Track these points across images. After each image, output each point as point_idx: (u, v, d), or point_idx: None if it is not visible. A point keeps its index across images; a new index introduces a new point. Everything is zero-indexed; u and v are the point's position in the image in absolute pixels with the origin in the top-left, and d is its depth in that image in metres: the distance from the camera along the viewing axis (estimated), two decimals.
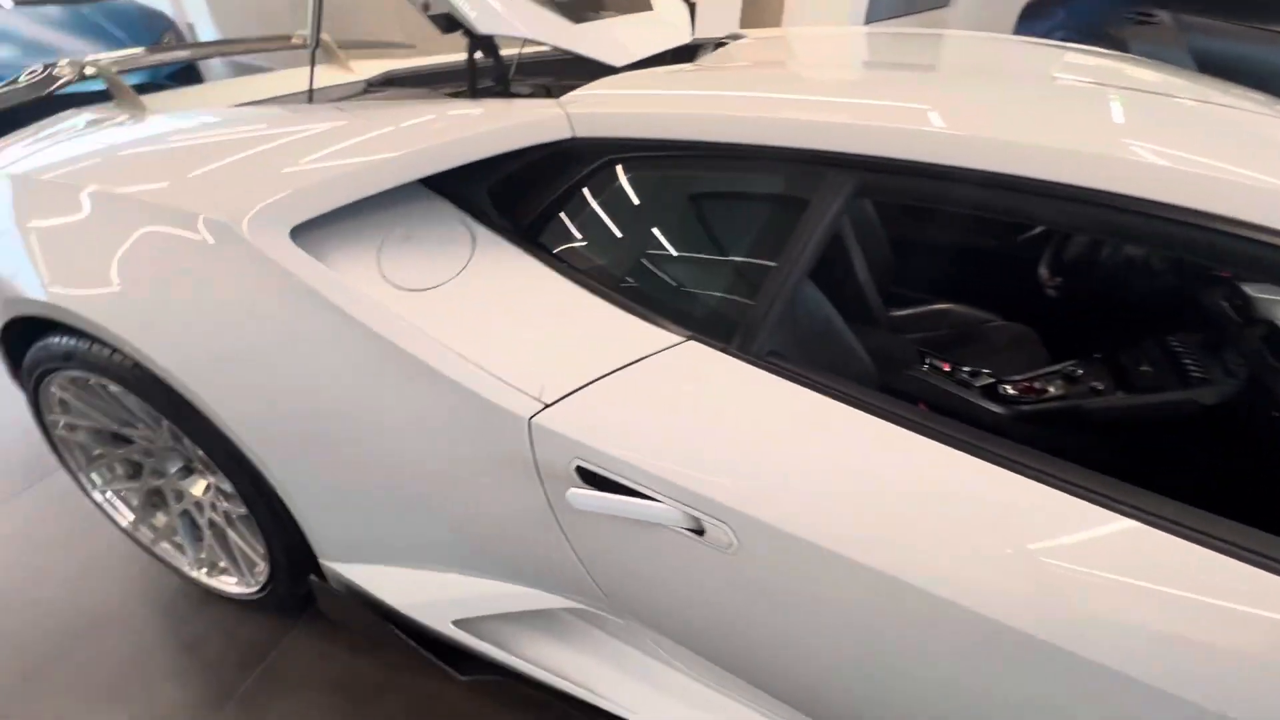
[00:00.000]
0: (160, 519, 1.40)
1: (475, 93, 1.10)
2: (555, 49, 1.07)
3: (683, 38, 1.35)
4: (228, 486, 1.13)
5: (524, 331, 0.87)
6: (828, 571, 0.73)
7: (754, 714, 0.98)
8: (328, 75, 1.80)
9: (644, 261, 0.91)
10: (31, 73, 1.48)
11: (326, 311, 0.88)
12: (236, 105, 1.40)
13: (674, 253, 0.91)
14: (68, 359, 1.08)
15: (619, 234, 0.92)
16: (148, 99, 1.51)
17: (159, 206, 0.96)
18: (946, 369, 1.35)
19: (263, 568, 1.26)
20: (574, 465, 0.82)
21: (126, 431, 1.23)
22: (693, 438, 0.78)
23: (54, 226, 1.03)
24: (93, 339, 1.04)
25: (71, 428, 1.29)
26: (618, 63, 1.12)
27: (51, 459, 1.38)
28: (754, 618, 0.82)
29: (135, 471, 1.37)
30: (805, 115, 0.79)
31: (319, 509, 1.06)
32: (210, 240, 0.92)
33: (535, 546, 0.95)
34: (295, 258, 0.89)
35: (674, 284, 0.90)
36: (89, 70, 1.41)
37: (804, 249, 0.78)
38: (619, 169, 0.90)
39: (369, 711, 1.23)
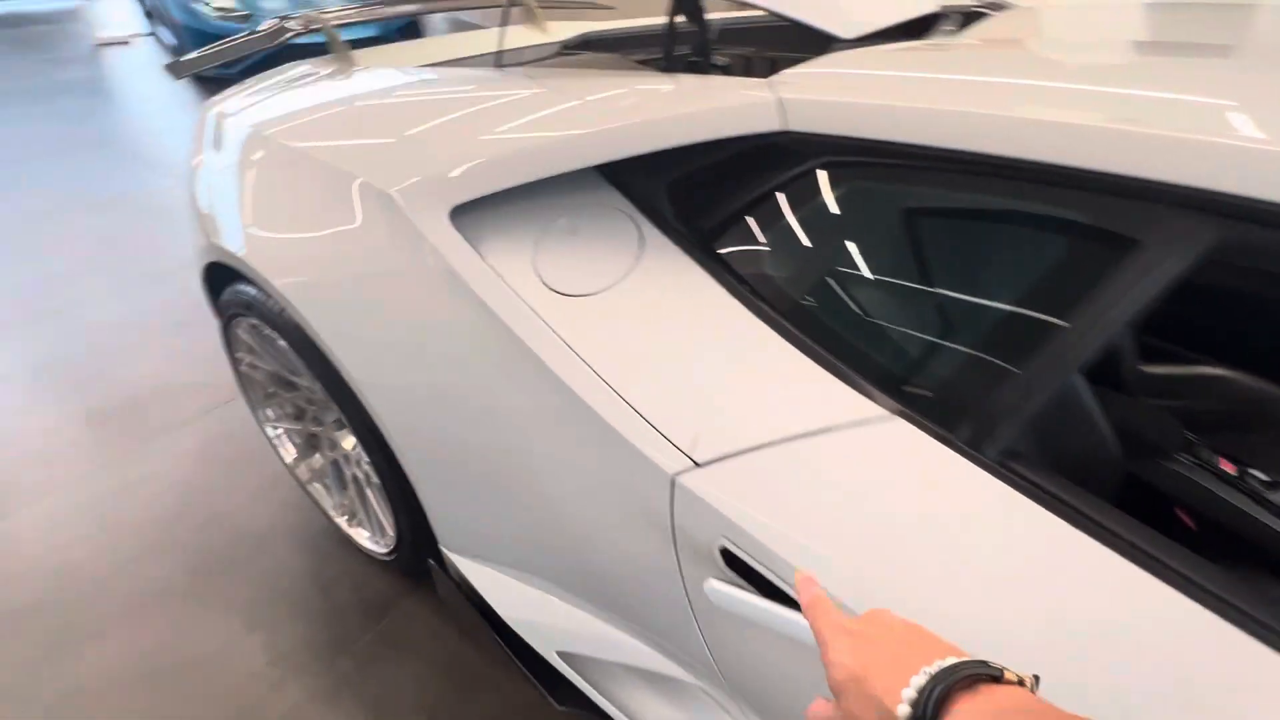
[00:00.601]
0: (317, 460, 1.47)
1: (671, 63, 0.94)
2: (769, 12, 0.88)
3: (927, 4, 1.08)
4: (365, 457, 1.13)
5: (686, 366, 0.72)
6: None
7: None
8: (524, 36, 1.75)
9: (853, 302, 0.70)
10: (269, 25, 1.57)
11: (474, 307, 0.80)
12: (428, 65, 1.38)
13: (899, 297, 0.69)
14: (249, 308, 1.12)
15: (825, 261, 0.72)
16: (359, 54, 1.54)
17: (330, 168, 0.93)
18: (1230, 469, 0.99)
19: (391, 536, 1.26)
20: (718, 545, 0.66)
21: (294, 379, 1.28)
22: (882, 548, 0.59)
23: (241, 177, 1.05)
24: (269, 293, 1.06)
25: (253, 366, 1.37)
26: (847, 34, 0.90)
27: (234, 386, 1.50)
28: None
29: (300, 414, 1.45)
30: (1137, 127, 0.53)
31: (442, 500, 1.01)
32: (371, 210, 0.87)
33: (659, 610, 0.81)
34: (450, 241, 0.81)
35: (891, 338, 0.68)
36: (314, 25, 1.46)
37: (1104, 322, 0.54)
38: (836, 176, 0.70)
39: (465, 705, 1.20)
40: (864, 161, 0.66)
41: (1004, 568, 0.55)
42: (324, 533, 1.51)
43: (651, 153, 0.77)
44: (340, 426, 1.36)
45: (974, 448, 0.59)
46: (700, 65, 0.90)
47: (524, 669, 1.05)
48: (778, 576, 0.62)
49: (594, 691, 0.98)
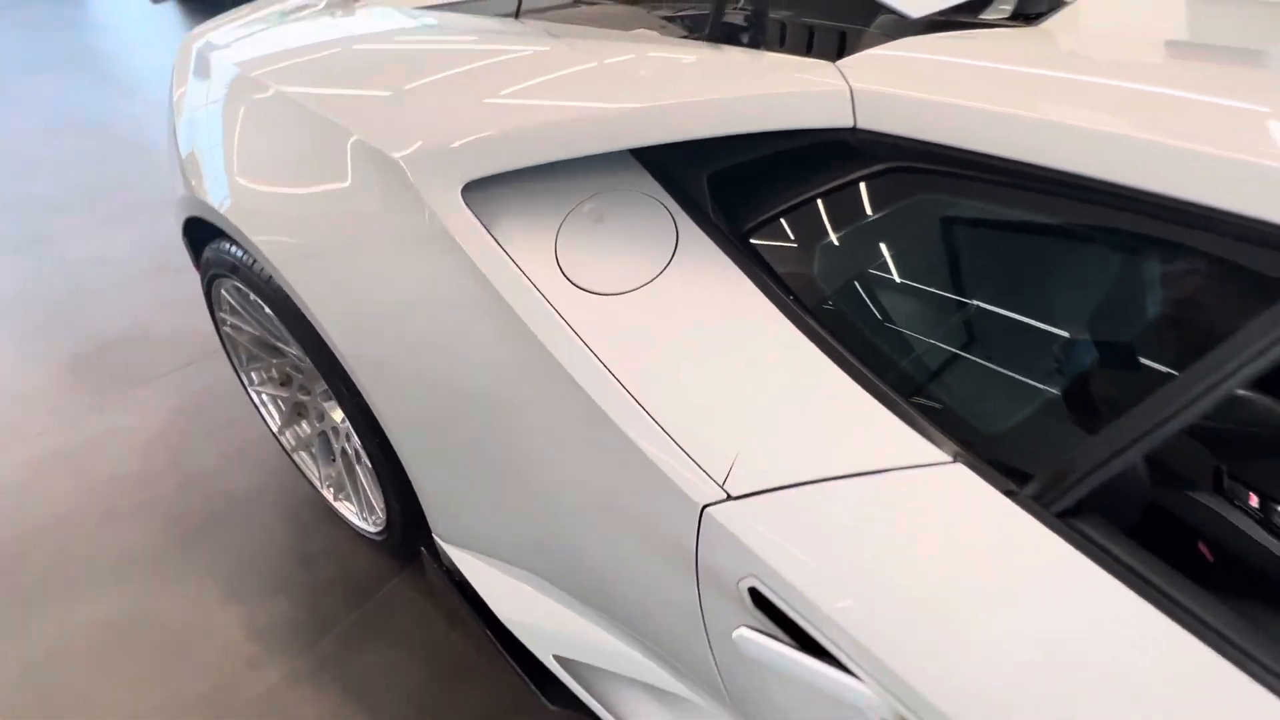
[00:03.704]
0: (303, 429, 1.40)
1: (718, 32, 0.84)
2: None
3: None
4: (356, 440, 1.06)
5: (723, 385, 0.65)
6: None
7: None
8: None
9: (914, 331, 0.63)
10: None
11: (486, 296, 0.72)
12: (440, 7, 1.25)
13: (966, 329, 0.61)
14: (233, 271, 1.03)
15: (884, 281, 0.64)
16: None
17: (328, 123, 0.83)
18: (1255, 503, 0.95)
19: (380, 517, 1.21)
20: (747, 584, 0.60)
21: (280, 346, 1.20)
22: (927, 606, 0.53)
23: (226, 123, 0.94)
24: (255, 257, 0.97)
25: (237, 329, 1.29)
26: (914, 12, 0.80)
27: (217, 342, 1.41)
28: None
29: (286, 380, 1.37)
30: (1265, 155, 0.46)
31: (439, 490, 0.95)
32: (375, 175, 0.78)
33: (673, 635, 0.76)
34: (462, 221, 0.72)
35: (955, 376, 0.61)
36: None
37: (1215, 382, 0.47)
38: (908, 185, 0.62)
39: (446, 696, 1.17)
40: (944, 172, 0.58)
41: (1060, 638, 0.50)
42: (308, 502, 1.45)
43: (688, 141, 0.68)
44: (329, 397, 1.29)
45: (1045, 503, 0.53)
46: (754, 41, 0.80)
47: (516, 667, 1.01)
48: (811, 624, 0.57)
49: (590, 698, 0.94)
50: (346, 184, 0.81)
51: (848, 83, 0.62)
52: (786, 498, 0.59)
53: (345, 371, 0.92)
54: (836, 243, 0.66)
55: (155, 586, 1.28)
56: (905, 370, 0.61)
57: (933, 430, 0.57)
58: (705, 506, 0.61)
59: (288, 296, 0.94)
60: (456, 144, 0.73)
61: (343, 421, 1.25)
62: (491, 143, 0.72)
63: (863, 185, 0.63)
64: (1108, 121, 0.50)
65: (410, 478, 0.97)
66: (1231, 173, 0.46)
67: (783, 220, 0.68)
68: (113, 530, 1.37)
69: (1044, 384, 0.58)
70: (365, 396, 0.90)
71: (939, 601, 0.53)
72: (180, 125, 1.08)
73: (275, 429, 1.42)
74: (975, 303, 0.61)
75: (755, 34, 0.80)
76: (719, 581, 0.63)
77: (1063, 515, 0.52)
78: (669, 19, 1.37)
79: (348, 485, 1.31)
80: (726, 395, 0.64)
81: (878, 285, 0.65)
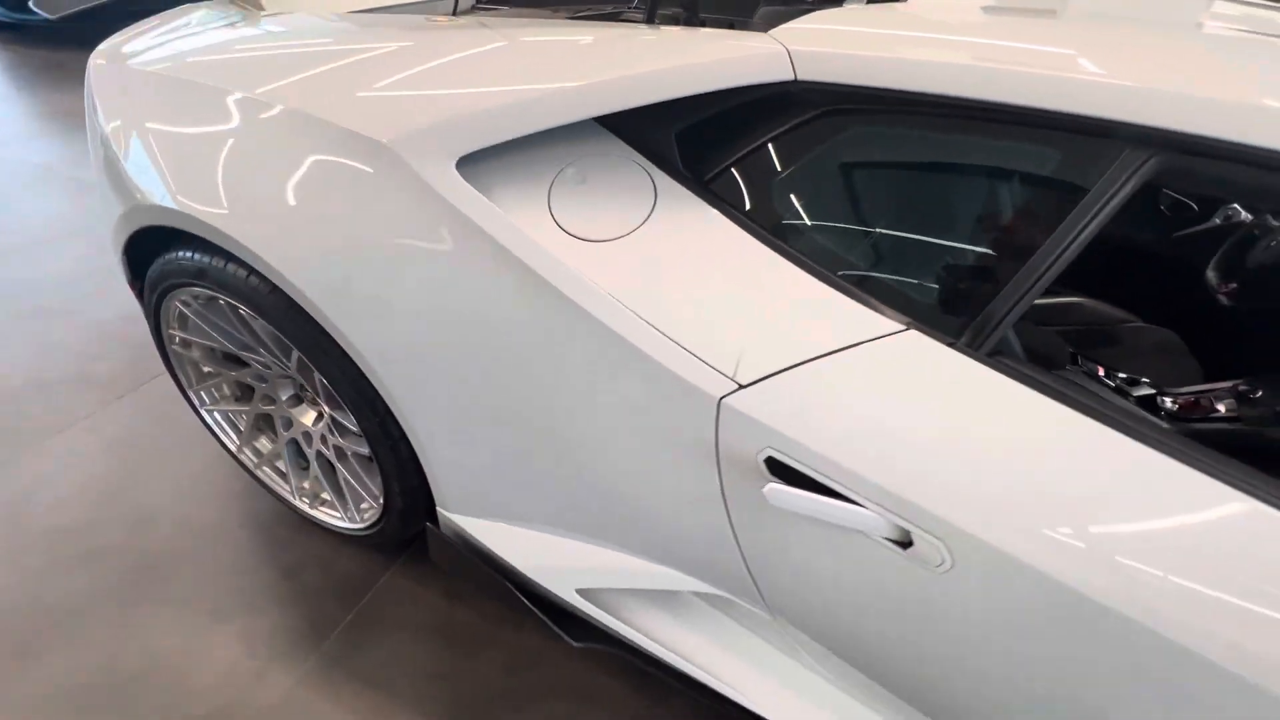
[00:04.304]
0: (265, 444, 1.38)
1: (653, 19, 0.97)
2: None
3: None
4: (351, 424, 1.09)
5: (716, 301, 0.78)
6: (1050, 602, 0.64)
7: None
8: None
9: (860, 234, 0.79)
10: None
11: (496, 258, 0.80)
12: (365, 11, 1.30)
13: (898, 227, 0.79)
14: (199, 276, 1.03)
15: (833, 199, 0.81)
16: None
17: (315, 120, 0.88)
18: (1100, 372, 1.22)
19: (372, 507, 1.23)
20: (764, 455, 0.74)
21: (244, 355, 1.19)
22: (910, 439, 0.69)
23: (200, 134, 0.95)
24: (228, 257, 0.98)
25: (187, 344, 1.25)
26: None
27: (158, 364, 1.36)
28: (940, 636, 0.74)
29: (245, 395, 1.34)
30: (1099, 77, 0.66)
31: (452, 460, 1.00)
32: (369, 163, 0.84)
33: (693, 531, 0.88)
34: (462, 192, 0.81)
35: (895, 264, 0.78)
36: None
37: (1073, 239, 0.66)
38: (842, 122, 0.78)
39: (468, 664, 1.21)
40: (867, 109, 0.75)
41: (1005, 441, 0.67)
42: (280, 518, 1.42)
43: (656, 103, 0.81)
44: (298, 402, 1.29)
45: (974, 347, 0.70)
46: (689, 19, 0.94)
47: (540, 614, 1.09)
48: (824, 476, 0.71)
49: (611, 619, 1.03)
50: (339, 173, 0.86)
51: (784, 45, 0.77)
52: (788, 377, 0.73)
53: (346, 358, 0.95)
54: (793, 173, 0.81)
55: (132, 626, 1.22)
56: (859, 266, 0.78)
57: (887, 309, 0.74)
58: (722, 398, 0.74)
59: (274, 294, 0.96)
60: (442, 123, 0.81)
61: (316, 423, 1.26)
62: (479, 118, 0.81)
63: (804, 125, 0.79)
64: (957, 57, 0.69)
65: (422, 457, 1.02)
66: (1022, 81, 0.65)
67: (744, 160, 0.82)
68: (63, 582, 1.28)
69: (956, 263, 0.76)
70: (376, 383, 0.94)
71: (919, 431, 0.69)
72: (115, 141, 1.06)
73: (234, 449, 1.38)
74: (903, 206, 0.78)
75: (690, 17, 0.95)
76: (739, 460, 0.76)
77: (991, 354, 0.70)
78: (588, 17, 1.50)
79: (327, 488, 1.31)
80: (721, 306, 0.77)
81: (826, 203, 0.81)
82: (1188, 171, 0.63)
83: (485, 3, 1.74)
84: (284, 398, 1.27)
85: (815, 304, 0.76)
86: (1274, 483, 0.60)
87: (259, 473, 1.39)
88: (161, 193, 0.97)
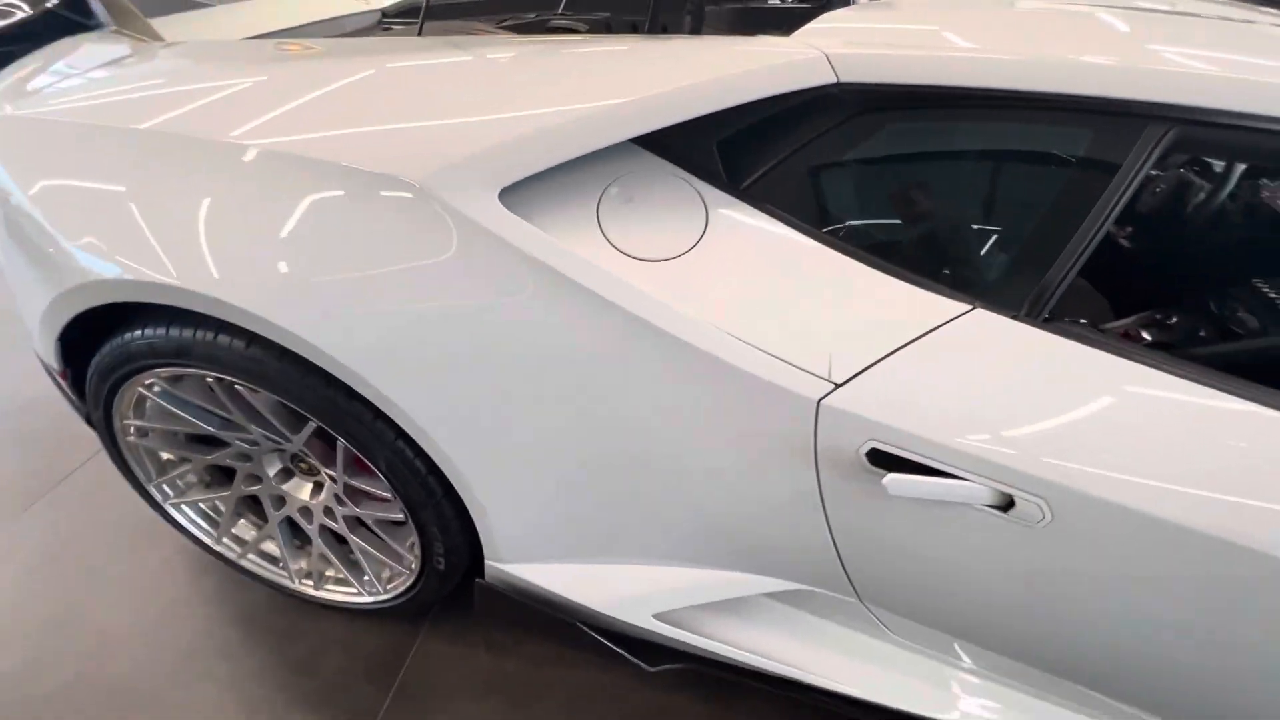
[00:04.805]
0: (248, 530, 1.22)
1: (656, 28, 0.96)
2: None
3: None
4: (380, 488, 1.00)
5: (789, 305, 0.79)
6: (1151, 539, 0.71)
7: (980, 686, 0.97)
8: (318, 6, 1.56)
9: (913, 224, 0.83)
10: None
11: (560, 290, 0.77)
12: (269, 36, 1.18)
13: (949, 215, 0.83)
14: (180, 354, 0.89)
15: (881, 194, 0.84)
16: (158, 25, 1.26)
17: (319, 164, 0.79)
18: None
19: (402, 574, 1.13)
20: (866, 449, 0.76)
21: (224, 435, 1.05)
22: (997, 411, 0.74)
23: (172, 191, 0.82)
24: (219, 328, 0.86)
25: (144, 433, 1.08)
26: None
27: (74, 456, 1.17)
28: (1048, 594, 0.80)
29: (219, 479, 1.18)
30: (1116, 60, 0.73)
31: (514, 510, 0.94)
32: (397, 205, 0.77)
33: (784, 533, 0.88)
34: (512, 226, 0.76)
35: (950, 249, 0.83)
36: None
37: (1110, 210, 0.74)
38: (882, 119, 0.81)
39: (532, 713, 1.15)
40: (907, 105, 0.79)
41: (1077, 398, 0.74)
42: (273, 608, 1.27)
43: (695, 117, 0.81)
44: (288, 477, 1.15)
45: (1035, 317, 0.76)
46: (695, 26, 0.94)
47: (616, 648, 1.05)
48: (926, 457, 0.74)
49: (689, 635, 1.02)
50: (358, 220, 0.78)
51: (820, 50, 0.79)
52: (879, 370, 0.75)
53: (386, 424, 0.87)
54: (841, 173, 0.84)
55: None
56: (919, 257, 0.82)
57: (950, 292, 0.78)
58: (820, 399, 0.75)
59: (283, 361, 0.85)
60: (484, 152, 0.76)
61: (315, 496, 1.13)
62: (522, 145, 0.77)
63: (846, 125, 0.81)
64: (991, 50, 0.75)
65: (474, 512, 0.95)
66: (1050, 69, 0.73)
67: (790, 165, 0.83)
68: None
69: (1007, 243, 0.82)
70: (424, 441, 0.87)
71: (1004, 400, 0.74)
72: (41, 210, 0.89)
73: (210, 541, 1.22)
74: (950, 194, 0.83)
75: (695, 24, 0.95)
76: (839, 457, 0.78)
77: (1047, 321, 0.76)
78: (523, 27, 1.45)
79: (336, 564, 1.18)
80: (796, 310, 0.78)
81: (876, 198, 0.84)
82: (1201, 141, 0.72)
83: (392, 18, 1.64)
84: (272, 474, 1.13)
85: (885, 297, 0.79)
86: None
87: (243, 562, 1.24)
88: (129, 264, 0.82)
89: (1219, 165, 1.09)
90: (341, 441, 0.93)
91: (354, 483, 1.03)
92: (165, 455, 1.14)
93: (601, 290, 0.76)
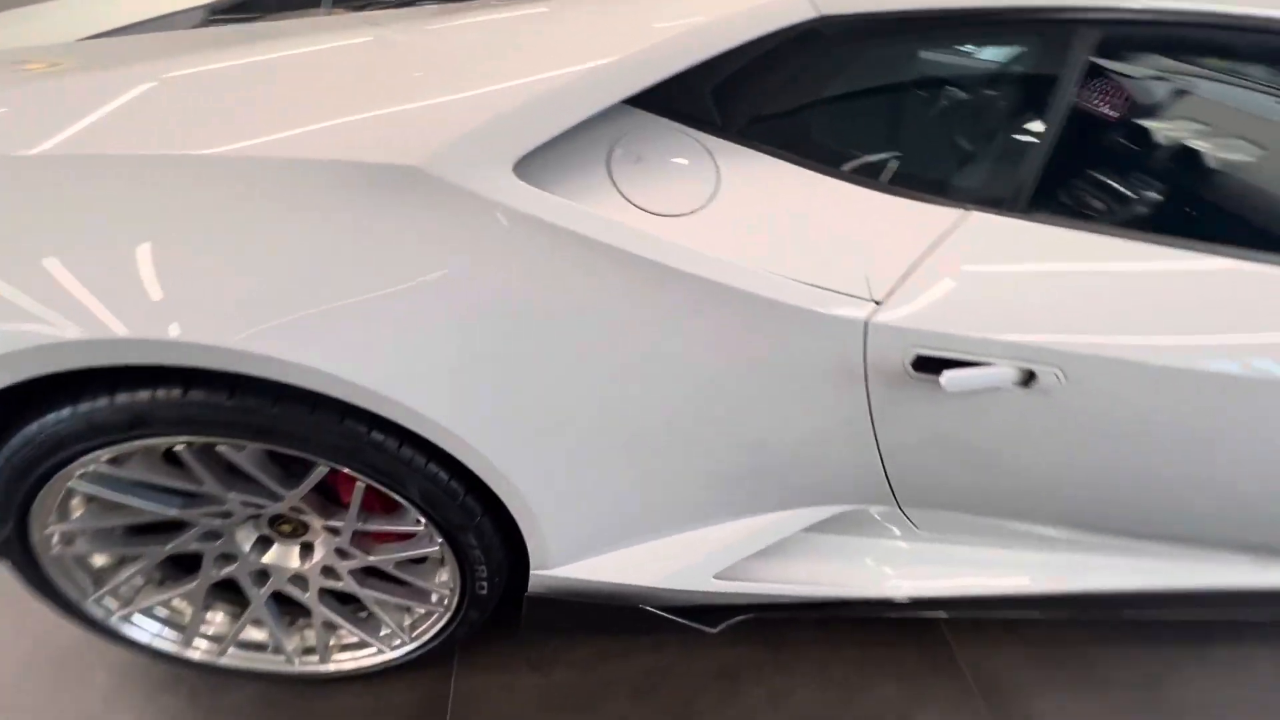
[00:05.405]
0: (223, 620, 1.04)
1: None
2: None
3: None
4: (407, 525, 0.89)
5: (815, 238, 0.81)
6: (1161, 384, 0.83)
7: (1012, 558, 1.09)
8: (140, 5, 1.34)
9: (905, 144, 0.89)
10: None
11: (597, 257, 0.73)
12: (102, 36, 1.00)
13: (935, 131, 0.90)
14: (134, 425, 0.72)
15: (873, 119, 0.88)
16: None
17: (292, 165, 0.68)
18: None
19: (431, 613, 1.02)
20: (911, 357, 0.81)
21: (187, 514, 0.87)
22: (1009, 298, 0.83)
23: (120, 219, 0.66)
24: (185, 383, 0.71)
25: (70, 539, 0.87)
26: None
27: None
28: (1072, 455, 0.91)
29: (176, 571, 0.99)
30: None
31: (567, 506, 0.89)
32: (403, 198, 0.69)
33: (831, 457, 0.92)
34: (538, 200, 0.71)
35: (942, 162, 0.90)
36: None
37: (1066, 107, 0.84)
38: (861, 47, 0.85)
39: (599, 715, 1.11)
40: (885, 31, 0.83)
41: (1073, 274, 0.84)
42: (270, 701, 1.10)
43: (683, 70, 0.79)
44: (267, 546, 0.99)
45: (1022, 210, 0.85)
46: None
47: (678, 619, 1.04)
48: (963, 353, 0.81)
49: (751, 585, 1.04)
50: (355, 220, 0.68)
51: None
52: (911, 283, 0.80)
53: (416, 449, 0.78)
54: (832, 103, 0.87)
55: None
56: (913, 173, 0.87)
57: (948, 201, 0.85)
58: (869, 319, 0.79)
59: (278, 405, 0.73)
60: (487, 123, 0.70)
61: (306, 559, 0.99)
62: (529, 110, 0.71)
63: (836, 56, 0.84)
64: None
65: (524, 520, 0.88)
66: None
67: (783, 101, 0.85)
68: None
69: (987, 150, 0.91)
70: (464, 456, 0.78)
71: (1015, 286, 0.82)
72: None
73: (176, 649, 1.02)
74: (931, 113, 0.90)
75: None
76: (888, 370, 0.82)
77: (1029, 213, 0.86)
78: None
79: (345, 626, 1.04)
80: (825, 241, 0.81)
81: (867, 123, 0.89)
82: (1129, 39, 0.85)
83: (222, 13, 1.45)
84: (248, 548, 0.97)
85: (895, 215, 0.84)
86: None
87: (223, 660, 1.05)
88: (57, 322, 0.65)
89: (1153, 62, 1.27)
90: (358, 482, 0.82)
91: (368, 527, 0.91)
92: (101, 561, 0.93)
93: (643, 251, 0.74)
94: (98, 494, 0.82)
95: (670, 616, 1.04)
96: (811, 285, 0.78)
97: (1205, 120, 1.45)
